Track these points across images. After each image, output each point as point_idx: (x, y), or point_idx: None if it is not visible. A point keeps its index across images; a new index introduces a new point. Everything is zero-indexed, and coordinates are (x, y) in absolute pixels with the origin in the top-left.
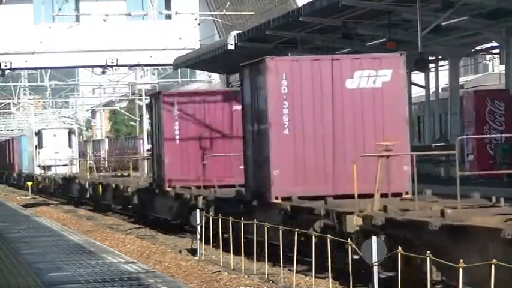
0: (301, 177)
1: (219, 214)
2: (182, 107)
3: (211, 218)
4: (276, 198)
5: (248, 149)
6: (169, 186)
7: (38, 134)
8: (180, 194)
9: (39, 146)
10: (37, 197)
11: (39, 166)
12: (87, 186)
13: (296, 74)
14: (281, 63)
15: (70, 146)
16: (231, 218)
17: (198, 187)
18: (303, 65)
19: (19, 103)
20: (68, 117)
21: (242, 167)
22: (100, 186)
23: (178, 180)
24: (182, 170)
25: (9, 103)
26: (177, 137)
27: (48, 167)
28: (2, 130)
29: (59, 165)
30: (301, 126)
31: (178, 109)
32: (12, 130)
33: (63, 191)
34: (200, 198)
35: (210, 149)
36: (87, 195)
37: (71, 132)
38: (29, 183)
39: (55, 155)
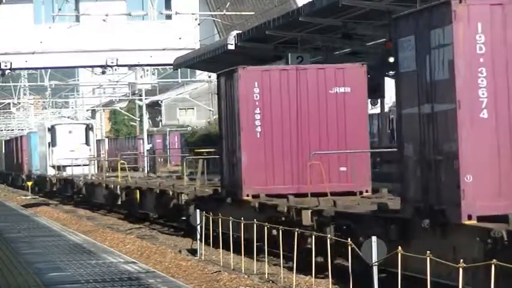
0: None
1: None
2: (266, 88)
3: (211, 218)
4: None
5: (222, 151)
6: (248, 195)
7: (52, 130)
8: (269, 206)
9: (53, 143)
10: (37, 197)
11: (52, 166)
12: (118, 191)
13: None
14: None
15: (87, 143)
16: (231, 218)
17: (298, 195)
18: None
19: (19, 103)
20: (68, 117)
21: (343, 168)
22: (137, 191)
23: (260, 186)
24: (266, 172)
25: (9, 103)
26: (258, 128)
27: (63, 167)
28: (2, 130)
29: (76, 165)
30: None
31: (260, 90)
32: (12, 130)
33: (85, 195)
34: (308, 214)
35: (307, 144)
36: (119, 202)
37: (88, 128)
38: (29, 183)
39: (70, 153)
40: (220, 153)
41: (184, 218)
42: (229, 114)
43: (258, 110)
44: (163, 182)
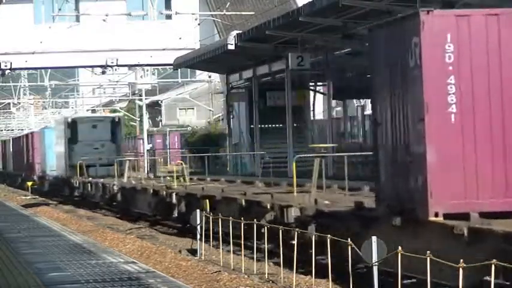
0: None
1: None
2: (464, 43)
3: (211, 218)
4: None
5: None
6: (437, 214)
7: (72, 125)
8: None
9: (73, 140)
10: (37, 197)
11: (72, 166)
12: (173, 199)
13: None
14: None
15: (114, 140)
16: (230, 218)
17: None
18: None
19: (19, 103)
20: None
21: None
22: (207, 201)
23: (459, 200)
24: (467, 176)
25: (9, 103)
26: (453, 107)
27: (86, 168)
28: (2, 130)
29: (102, 166)
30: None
31: (455, 47)
32: (12, 130)
33: (120, 203)
34: None
35: None
36: (175, 214)
37: (114, 122)
38: (29, 183)
39: (94, 152)
40: (375, 148)
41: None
42: (395, 87)
43: (451, 79)
44: (245, 189)
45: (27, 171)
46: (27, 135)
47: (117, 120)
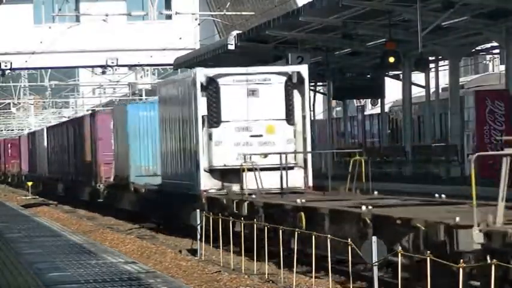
0: None
1: None
2: None
3: (211, 217)
4: None
5: None
6: None
7: (211, 89)
8: None
9: (214, 120)
10: (37, 197)
11: (209, 171)
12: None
13: None
14: None
15: (290, 118)
16: (231, 218)
17: None
18: None
19: (19, 103)
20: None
21: None
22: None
23: None
24: None
25: (9, 103)
26: None
27: (228, 174)
28: (2, 130)
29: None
30: None
31: None
32: (13, 130)
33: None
34: None
35: None
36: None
37: (290, 83)
38: (29, 183)
39: (256, 142)
40: None
41: None
42: None
43: None
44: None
45: (83, 175)
46: (81, 118)
47: (294, 77)
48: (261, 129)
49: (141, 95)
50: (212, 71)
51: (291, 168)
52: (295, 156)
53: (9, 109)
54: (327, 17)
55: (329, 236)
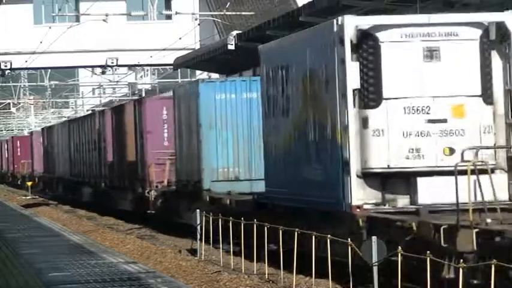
0: None
1: None
2: None
3: (211, 218)
4: None
5: None
6: None
7: (374, 49)
8: None
9: (371, 100)
10: (37, 197)
11: (362, 176)
12: None
13: None
14: None
15: (488, 96)
16: (231, 218)
17: None
18: None
19: (19, 103)
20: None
21: None
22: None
23: None
24: None
25: (9, 103)
26: None
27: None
28: (2, 130)
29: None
30: None
31: None
32: (13, 130)
33: None
34: None
35: None
36: None
37: (488, 40)
38: (29, 183)
39: (436, 130)
40: None
41: None
42: None
43: None
44: None
45: (121, 179)
46: (121, 107)
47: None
48: (444, 111)
49: (141, 95)
50: (367, 21)
51: (488, 172)
52: (495, 152)
53: (9, 109)
54: (327, 17)
55: (329, 236)
